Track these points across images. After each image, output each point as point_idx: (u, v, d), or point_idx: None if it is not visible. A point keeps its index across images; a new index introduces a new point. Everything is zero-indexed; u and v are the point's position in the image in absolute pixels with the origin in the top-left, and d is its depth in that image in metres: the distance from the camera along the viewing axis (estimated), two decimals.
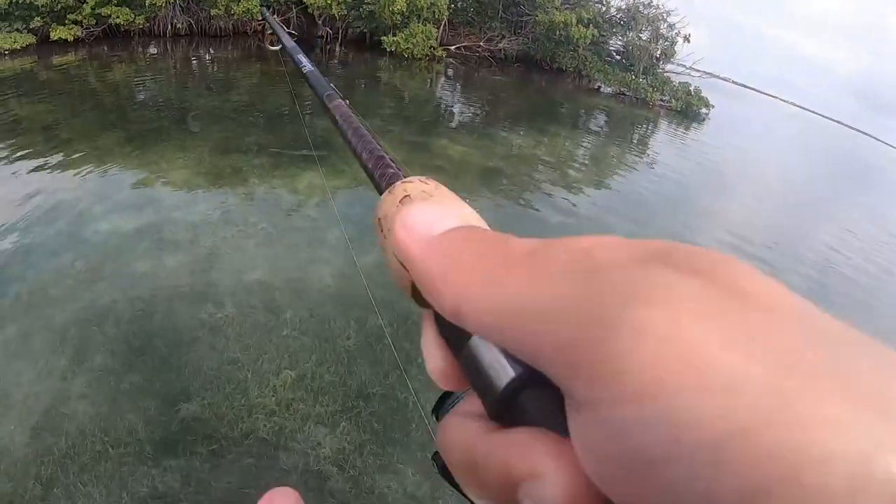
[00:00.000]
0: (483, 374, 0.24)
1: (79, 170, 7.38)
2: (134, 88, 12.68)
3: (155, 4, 16.70)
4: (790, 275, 8.47)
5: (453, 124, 13.92)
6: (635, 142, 16.43)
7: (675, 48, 23.91)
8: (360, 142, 0.53)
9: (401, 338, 4.65)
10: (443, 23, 21.54)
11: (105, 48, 15.93)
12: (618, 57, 24.43)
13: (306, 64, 0.92)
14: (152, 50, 17.04)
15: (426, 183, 0.34)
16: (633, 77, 22.95)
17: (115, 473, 3.37)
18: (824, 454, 0.14)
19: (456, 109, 15.90)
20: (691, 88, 23.60)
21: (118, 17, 16.21)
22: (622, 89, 23.09)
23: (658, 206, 10.36)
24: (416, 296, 0.28)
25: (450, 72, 21.42)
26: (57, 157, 7.71)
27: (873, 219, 15.58)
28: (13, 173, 7.17)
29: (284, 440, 3.74)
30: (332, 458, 3.65)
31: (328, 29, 21.39)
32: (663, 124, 20.49)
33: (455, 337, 0.26)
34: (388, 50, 20.20)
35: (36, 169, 7.32)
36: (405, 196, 0.33)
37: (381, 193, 0.38)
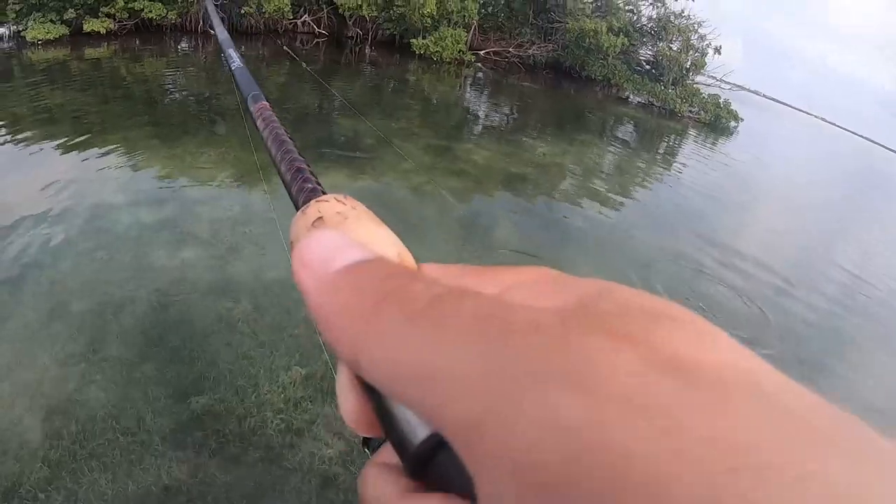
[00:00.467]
0: (396, 429, 0.21)
1: (105, 160, 7.50)
2: (163, 82, 12.88)
3: (187, 0, 16.99)
4: (810, 299, 8.28)
5: (480, 129, 13.89)
6: (662, 153, 16.22)
7: (706, 59, 23.58)
8: (280, 150, 0.47)
9: None
10: (473, 27, 21.55)
11: (137, 42, 16.23)
12: (647, 67, 24.20)
13: (235, 59, 0.85)
14: (183, 45, 17.32)
15: (342, 202, 0.30)
16: (663, 88, 22.72)
17: (122, 461, 3.38)
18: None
19: (483, 114, 15.87)
20: (721, 101, 23.26)
21: (151, 11, 16.51)
22: (651, 99, 22.87)
23: (680, 219, 10.20)
24: None
25: (479, 76, 21.41)
26: (84, 147, 7.84)
27: None
28: (41, 160, 7.31)
29: (292, 438, 3.73)
30: (337, 459, 3.63)
31: (358, 30, 21.55)
32: (691, 136, 20.21)
33: (367, 382, 0.22)
34: (417, 53, 20.27)
35: (63, 157, 7.46)
36: (318, 218, 0.29)
37: (297, 209, 0.34)
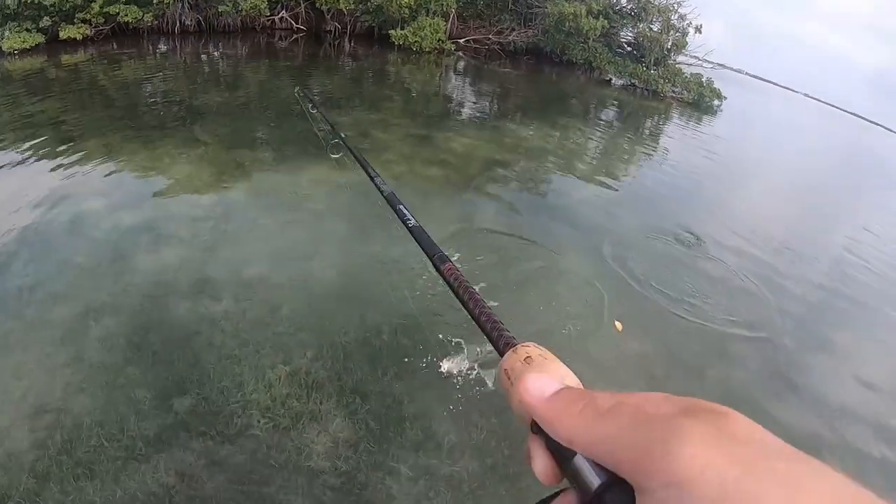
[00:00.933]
0: (582, 479, 0.38)
1: (85, 165, 7.43)
2: (142, 85, 12.74)
3: (163, 2, 16.78)
4: (804, 275, 8.34)
5: (461, 117, 13.82)
6: (646, 134, 16.20)
7: (687, 39, 23.52)
8: (476, 305, 0.67)
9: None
10: (451, 16, 21.43)
11: (114, 46, 16.05)
12: (628, 48, 24.16)
13: (410, 218, 0.97)
14: (161, 47, 17.12)
15: (539, 348, 0.52)
16: (645, 69, 22.69)
17: (109, 468, 3.37)
18: None
19: (464, 102, 15.80)
20: (703, 80, 23.27)
21: (127, 15, 16.32)
22: (633, 81, 22.86)
23: (667, 200, 10.21)
24: (534, 426, 0.44)
25: (459, 65, 21.31)
26: (64, 154, 7.77)
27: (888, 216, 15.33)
28: (21, 169, 7.24)
29: (278, 437, 3.73)
30: (324, 455, 3.64)
31: (337, 24, 21.38)
32: (675, 116, 20.23)
33: (561, 453, 0.41)
34: (396, 44, 20.15)
35: (43, 165, 7.39)
36: (527, 356, 0.50)
37: (498, 350, 0.57)
